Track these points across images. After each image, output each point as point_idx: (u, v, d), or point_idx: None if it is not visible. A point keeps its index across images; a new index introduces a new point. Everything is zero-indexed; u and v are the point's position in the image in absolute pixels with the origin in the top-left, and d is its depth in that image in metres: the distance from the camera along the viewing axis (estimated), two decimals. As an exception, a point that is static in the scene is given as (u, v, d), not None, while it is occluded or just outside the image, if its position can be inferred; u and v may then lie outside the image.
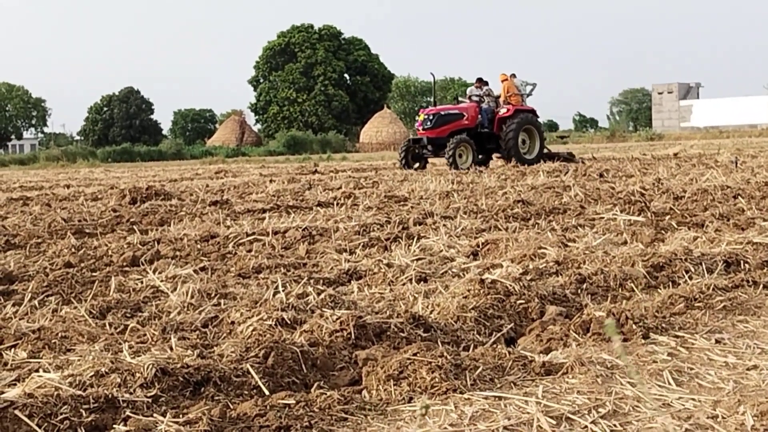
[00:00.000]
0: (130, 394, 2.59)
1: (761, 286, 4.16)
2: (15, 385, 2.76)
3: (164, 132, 78.81)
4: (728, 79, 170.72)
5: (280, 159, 37.22)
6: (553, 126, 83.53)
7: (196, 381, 2.73)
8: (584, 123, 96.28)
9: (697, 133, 52.41)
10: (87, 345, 3.30)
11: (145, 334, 3.44)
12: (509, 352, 3.03)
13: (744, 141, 33.25)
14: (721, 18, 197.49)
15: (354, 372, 2.94)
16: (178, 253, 5.74)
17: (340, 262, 5.17)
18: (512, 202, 8.30)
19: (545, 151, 19.26)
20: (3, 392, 2.59)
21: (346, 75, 68.32)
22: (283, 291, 4.00)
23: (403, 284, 4.42)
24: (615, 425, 2.37)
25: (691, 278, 4.34)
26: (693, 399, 2.56)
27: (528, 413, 2.46)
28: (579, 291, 4.13)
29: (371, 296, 4.16)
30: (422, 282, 4.50)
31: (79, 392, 2.55)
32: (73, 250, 5.91)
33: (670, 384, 2.71)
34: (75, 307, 3.95)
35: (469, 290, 3.81)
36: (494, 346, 3.21)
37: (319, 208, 8.94)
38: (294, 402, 2.54)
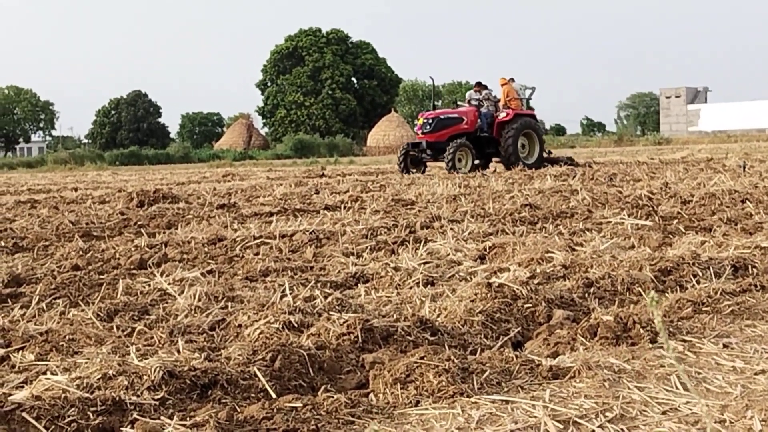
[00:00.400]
0: (138, 396, 2.60)
1: (769, 290, 4.14)
2: (23, 387, 2.77)
3: (172, 135, 79.14)
4: (736, 84, 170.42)
5: (288, 162, 37.29)
6: (560, 130, 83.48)
7: (204, 384, 2.74)
8: (592, 127, 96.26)
9: (704, 138, 52.23)
10: (94, 347, 3.31)
11: (152, 337, 3.45)
12: (516, 356, 3.02)
13: (752, 145, 33.13)
14: (729, 22, 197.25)
15: (361, 375, 2.94)
16: (185, 256, 5.76)
17: (347, 266, 5.17)
18: (519, 206, 8.29)
19: (546, 155, 19.25)
20: (11, 394, 2.60)
21: (353, 79, 68.43)
22: (290, 294, 4.00)
23: (410, 288, 4.42)
24: (622, 429, 2.37)
25: (698, 282, 4.32)
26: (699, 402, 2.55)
27: (535, 417, 2.46)
28: (586, 295, 4.12)
29: (378, 300, 4.16)
30: (429, 285, 4.50)
31: (87, 395, 2.55)
32: (80, 253, 5.93)
33: (677, 388, 2.70)
34: (82, 310, 3.96)
35: (476, 294, 3.81)
36: (501, 349, 3.20)
37: (326, 211, 8.95)
38: (301, 405, 2.54)
